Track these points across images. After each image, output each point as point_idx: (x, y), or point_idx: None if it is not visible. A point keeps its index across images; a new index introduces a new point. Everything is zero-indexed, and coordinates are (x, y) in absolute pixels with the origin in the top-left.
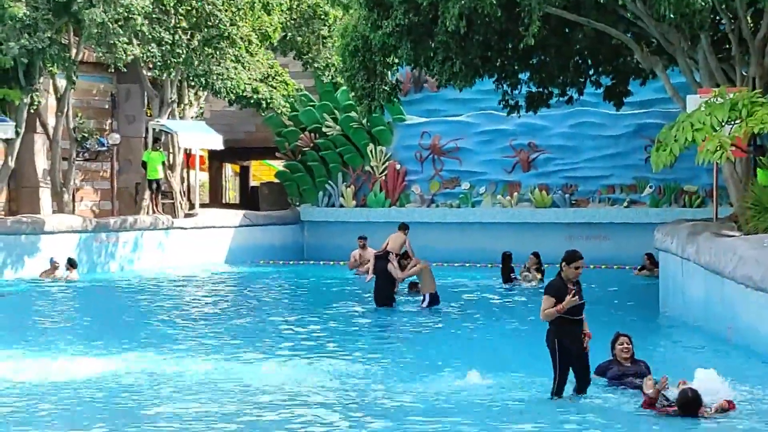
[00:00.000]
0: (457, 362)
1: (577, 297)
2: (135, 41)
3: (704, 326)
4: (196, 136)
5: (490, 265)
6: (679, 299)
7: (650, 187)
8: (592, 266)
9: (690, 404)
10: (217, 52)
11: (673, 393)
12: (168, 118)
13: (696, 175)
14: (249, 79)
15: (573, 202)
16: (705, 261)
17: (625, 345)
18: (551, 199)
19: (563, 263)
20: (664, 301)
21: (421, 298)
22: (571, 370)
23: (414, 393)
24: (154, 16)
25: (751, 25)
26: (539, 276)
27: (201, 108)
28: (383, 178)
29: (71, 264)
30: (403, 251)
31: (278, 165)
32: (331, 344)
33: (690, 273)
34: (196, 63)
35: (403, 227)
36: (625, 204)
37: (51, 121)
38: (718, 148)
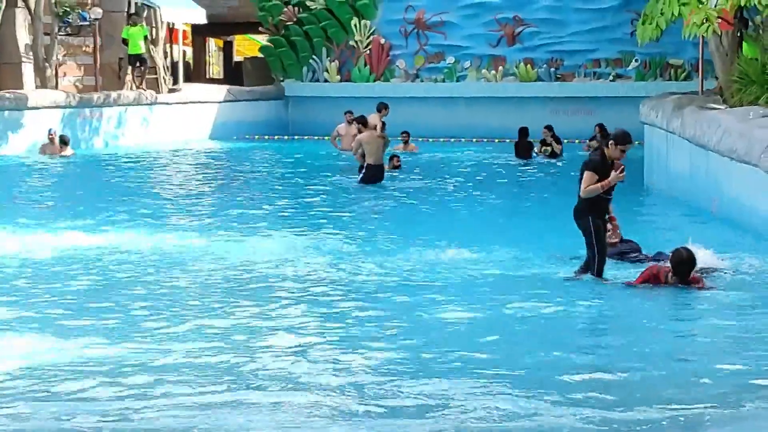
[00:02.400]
0: (439, 237)
1: (623, 174)
2: None
3: (689, 199)
4: (179, 9)
5: (475, 140)
6: (664, 172)
7: (636, 60)
8: (577, 141)
9: (684, 263)
10: None
11: None
12: None
13: (682, 49)
14: None
15: (558, 76)
16: (690, 134)
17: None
18: (536, 74)
19: (611, 141)
20: (648, 175)
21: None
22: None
23: (392, 267)
24: None
25: None
26: (559, 146)
27: None
28: (368, 52)
29: (63, 141)
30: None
31: (262, 40)
32: (315, 220)
33: (675, 146)
34: None
35: (380, 108)
36: (611, 78)
37: None
38: (704, 21)
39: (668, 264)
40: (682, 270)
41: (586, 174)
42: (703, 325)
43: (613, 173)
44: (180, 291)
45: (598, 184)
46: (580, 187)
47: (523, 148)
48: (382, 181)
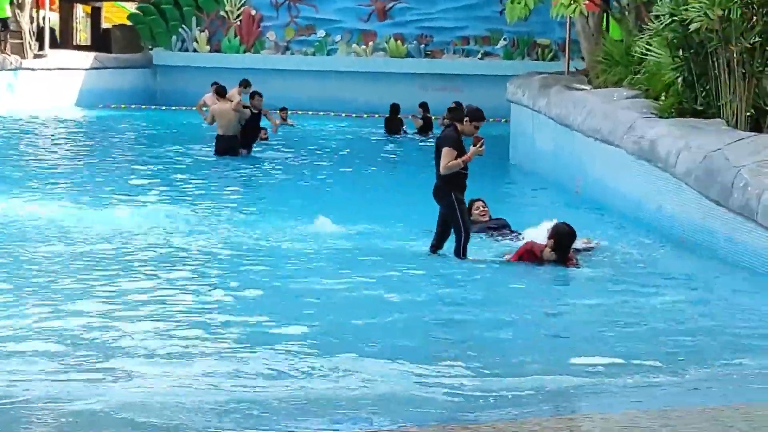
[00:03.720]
0: (304, 209)
1: (483, 148)
2: None
3: (554, 178)
4: None
5: (344, 114)
6: (530, 151)
7: (504, 39)
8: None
9: (565, 235)
10: None
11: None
12: None
13: (549, 29)
14: None
15: (427, 52)
16: (555, 114)
17: (481, 209)
18: (406, 50)
19: (466, 118)
20: (514, 153)
21: None
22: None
23: (256, 238)
24: None
25: None
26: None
27: None
28: (238, 23)
29: None
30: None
31: (131, 7)
32: (176, 191)
33: (540, 125)
34: None
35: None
36: (479, 56)
37: None
38: (571, 2)
39: (539, 241)
40: (564, 243)
41: (445, 150)
42: (572, 303)
43: (472, 147)
44: (32, 263)
45: (459, 160)
46: (438, 165)
47: (393, 123)
48: (234, 153)
